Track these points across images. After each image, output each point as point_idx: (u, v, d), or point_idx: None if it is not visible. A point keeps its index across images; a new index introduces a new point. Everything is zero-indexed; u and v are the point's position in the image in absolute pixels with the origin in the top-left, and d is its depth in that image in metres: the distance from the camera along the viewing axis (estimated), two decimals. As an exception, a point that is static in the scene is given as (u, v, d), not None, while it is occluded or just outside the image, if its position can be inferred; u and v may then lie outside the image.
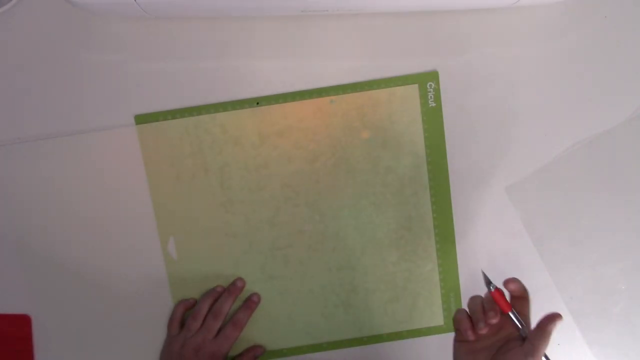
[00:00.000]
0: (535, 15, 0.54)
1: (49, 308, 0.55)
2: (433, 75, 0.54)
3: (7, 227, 0.55)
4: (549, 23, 0.54)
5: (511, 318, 0.45)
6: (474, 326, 0.45)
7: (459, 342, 0.47)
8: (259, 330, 0.55)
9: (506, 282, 0.46)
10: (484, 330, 0.44)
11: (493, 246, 0.55)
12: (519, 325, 0.44)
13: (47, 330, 0.55)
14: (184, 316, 0.55)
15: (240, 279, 0.55)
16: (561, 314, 0.44)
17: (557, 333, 0.55)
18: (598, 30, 0.54)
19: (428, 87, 0.54)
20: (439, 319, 0.57)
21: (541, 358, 0.42)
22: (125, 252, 0.55)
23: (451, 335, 0.56)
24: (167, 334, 0.55)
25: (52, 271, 0.55)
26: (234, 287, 0.54)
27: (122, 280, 0.55)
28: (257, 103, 0.54)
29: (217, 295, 0.54)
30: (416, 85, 0.54)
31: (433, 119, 0.54)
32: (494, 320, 0.44)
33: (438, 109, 0.54)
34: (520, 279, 0.55)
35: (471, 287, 0.55)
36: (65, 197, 0.54)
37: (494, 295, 0.46)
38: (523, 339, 0.44)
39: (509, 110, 0.54)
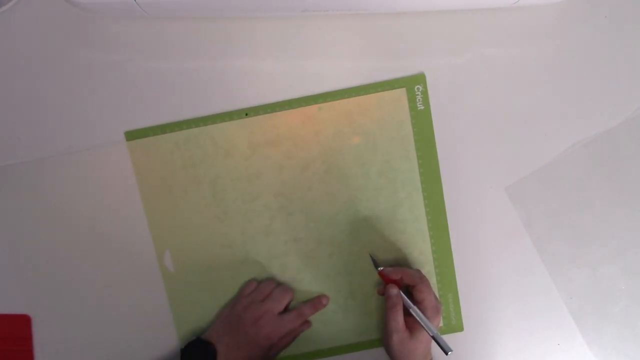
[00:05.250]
0: (535, 15, 0.54)
1: (49, 308, 0.55)
2: (420, 79, 0.54)
3: (7, 230, 0.55)
4: (549, 23, 0.54)
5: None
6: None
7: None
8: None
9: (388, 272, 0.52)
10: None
11: (493, 246, 0.55)
12: (405, 303, 0.50)
13: (47, 330, 0.55)
14: None
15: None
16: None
17: (557, 332, 0.56)
18: (598, 30, 0.54)
19: (416, 90, 0.54)
20: (437, 321, 0.56)
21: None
22: (123, 266, 0.55)
23: (451, 337, 0.56)
24: (239, 292, 0.55)
25: (52, 272, 0.55)
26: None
27: (120, 293, 0.55)
28: (246, 114, 0.54)
29: None
30: (404, 89, 0.54)
31: (422, 121, 0.54)
32: (385, 294, 0.51)
33: (427, 111, 0.54)
34: (520, 278, 0.56)
35: (470, 288, 0.55)
36: (61, 214, 0.54)
37: (381, 274, 0.52)
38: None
39: (509, 110, 0.54)
